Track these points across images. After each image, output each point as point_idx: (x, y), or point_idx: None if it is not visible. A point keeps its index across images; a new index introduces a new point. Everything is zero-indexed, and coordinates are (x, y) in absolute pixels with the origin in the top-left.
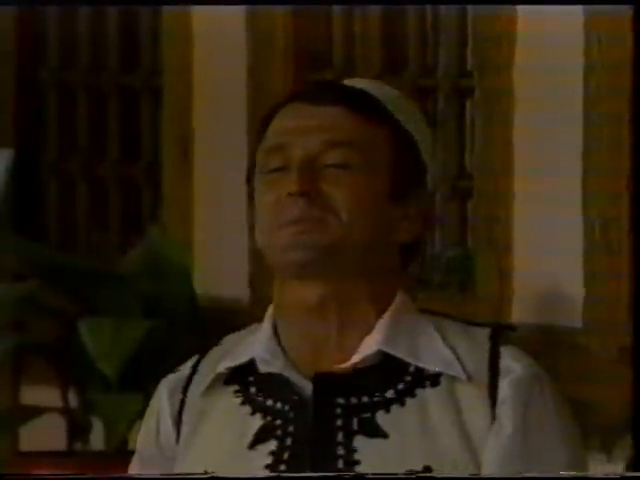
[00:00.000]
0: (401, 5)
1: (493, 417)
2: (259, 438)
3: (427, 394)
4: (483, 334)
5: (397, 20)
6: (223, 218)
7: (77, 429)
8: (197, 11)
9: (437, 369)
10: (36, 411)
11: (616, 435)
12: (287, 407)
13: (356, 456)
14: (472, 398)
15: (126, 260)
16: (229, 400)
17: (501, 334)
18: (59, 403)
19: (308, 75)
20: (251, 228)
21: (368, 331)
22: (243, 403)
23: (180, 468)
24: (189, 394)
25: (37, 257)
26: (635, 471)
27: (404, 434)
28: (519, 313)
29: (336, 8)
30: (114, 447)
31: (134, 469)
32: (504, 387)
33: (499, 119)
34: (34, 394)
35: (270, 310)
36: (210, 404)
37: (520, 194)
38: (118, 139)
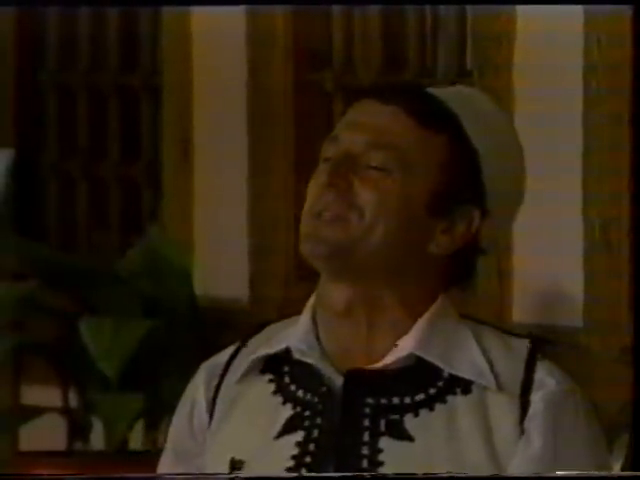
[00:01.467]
0: (400, 5)
1: (522, 430)
2: (287, 428)
3: (457, 401)
4: (521, 345)
5: (397, 20)
6: (223, 218)
7: (77, 429)
8: (197, 11)
9: (468, 377)
10: (36, 411)
11: (616, 434)
12: (317, 399)
13: (381, 457)
14: (502, 409)
15: (126, 260)
16: (262, 388)
17: (539, 347)
18: (59, 403)
19: (308, 75)
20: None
21: (402, 334)
22: (275, 392)
23: (209, 454)
24: (225, 380)
25: (37, 257)
26: (634, 470)
27: (430, 439)
28: (519, 313)
29: (336, 8)
30: (114, 447)
31: (165, 463)
32: (536, 401)
33: None
34: (34, 394)
35: (311, 300)
36: (244, 391)
37: None
38: (118, 139)
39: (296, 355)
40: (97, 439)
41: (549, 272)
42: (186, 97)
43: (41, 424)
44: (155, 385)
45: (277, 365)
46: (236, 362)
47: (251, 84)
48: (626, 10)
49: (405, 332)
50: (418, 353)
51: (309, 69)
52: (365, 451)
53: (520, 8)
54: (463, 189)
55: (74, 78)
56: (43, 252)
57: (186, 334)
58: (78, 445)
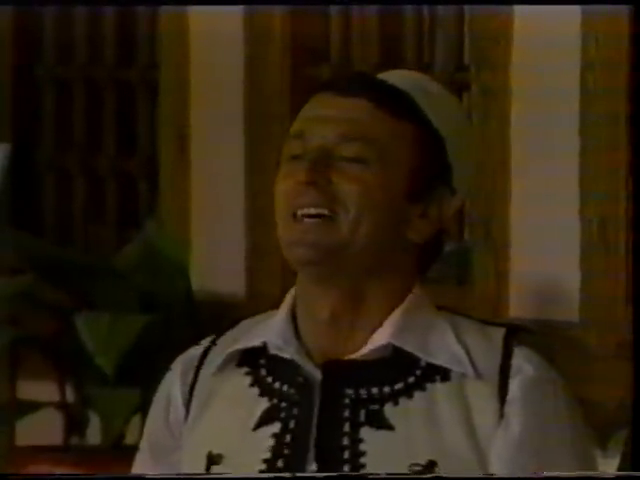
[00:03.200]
0: (399, 5)
1: (501, 415)
2: (264, 420)
3: (437, 389)
4: (498, 333)
5: (394, 17)
6: (220, 213)
7: (74, 424)
8: (194, 8)
9: (445, 365)
10: (33, 405)
11: (612, 431)
12: (293, 390)
13: (362, 447)
14: (481, 395)
15: (123, 255)
16: (239, 381)
17: (516, 335)
18: (56, 398)
19: (305, 72)
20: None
21: (380, 325)
22: (252, 385)
23: (186, 448)
24: (201, 373)
25: (34, 252)
26: (632, 467)
27: (410, 427)
28: (516, 309)
29: (333, 6)
30: (111, 442)
31: (141, 460)
32: (514, 387)
33: (496, 118)
34: (31, 389)
35: (290, 294)
36: (220, 384)
37: (517, 192)
38: (115, 134)
39: (272, 350)
40: (94, 434)
41: (546, 270)
42: (183, 93)
43: (38, 419)
44: (152, 380)
45: (253, 358)
46: (211, 356)
47: (248, 81)
48: (623, 10)
49: (383, 322)
50: (394, 342)
51: (306, 67)
52: (346, 442)
53: (517, 8)
54: (434, 172)
55: (71, 73)
56: (40, 247)
57: (183, 329)
58: (75, 440)
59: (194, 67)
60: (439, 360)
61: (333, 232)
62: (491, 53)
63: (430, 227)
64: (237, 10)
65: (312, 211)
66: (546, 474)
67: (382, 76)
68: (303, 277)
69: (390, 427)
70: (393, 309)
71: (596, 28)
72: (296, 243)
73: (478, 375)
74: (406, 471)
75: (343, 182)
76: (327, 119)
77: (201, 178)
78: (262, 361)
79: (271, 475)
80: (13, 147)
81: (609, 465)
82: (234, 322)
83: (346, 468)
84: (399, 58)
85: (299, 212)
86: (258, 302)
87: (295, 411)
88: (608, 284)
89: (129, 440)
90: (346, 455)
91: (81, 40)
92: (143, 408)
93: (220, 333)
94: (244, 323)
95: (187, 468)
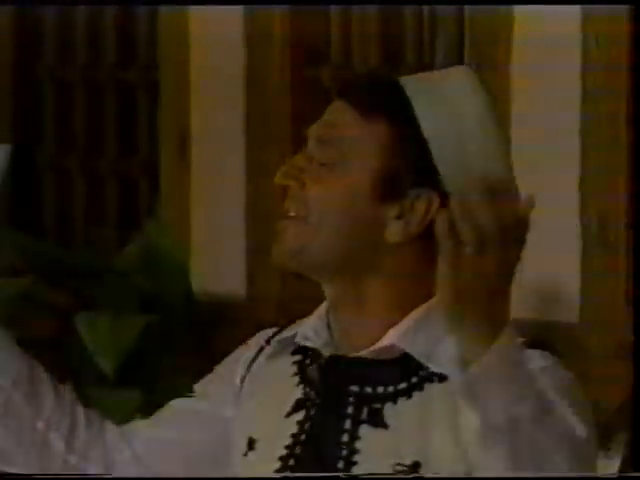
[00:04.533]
0: (398, 5)
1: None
2: (295, 408)
3: (433, 388)
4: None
5: (394, 17)
6: (221, 214)
7: None
8: (195, 9)
9: (438, 370)
10: None
11: (613, 432)
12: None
13: (357, 444)
14: None
15: (123, 255)
16: (285, 369)
17: (529, 343)
18: None
19: (305, 72)
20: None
21: (392, 325)
22: (296, 374)
23: (235, 427)
24: (260, 355)
25: (34, 252)
26: (633, 468)
27: (402, 427)
28: (516, 309)
29: (334, 5)
30: None
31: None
32: None
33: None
34: None
35: None
36: (270, 369)
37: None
38: (115, 134)
39: (298, 339)
40: None
41: (547, 270)
42: (184, 94)
43: None
44: (152, 381)
45: (304, 348)
46: (275, 339)
47: (248, 81)
48: (623, 10)
49: (395, 324)
50: (399, 344)
51: (306, 67)
52: (345, 438)
53: (517, 8)
54: (412, 173)
55: (71, 73)
56: (40, 247)
57: (183, 330)
58: None
59: (194, 67)
60: (435, 365)
61: (298, 234)
62: (491, 53)
63: (406, 230)
64: (237, 10)
65: (287, 214)
66: (546, 474)
67: (409, 77)
68: None
69: (385, 426)
70: (408, 310)
71: (596, 28)
72: (275, 241)
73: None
74: (391, 471)
75: (312, 185)
76: (317, 123)
77: (201, 178)
78: (310, 352)
79: (271, 475)
80: (13, 147)
81: (610, 466)
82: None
83: (340, 465)
84: (399, 58)
85: (282, 213)
86: (258, 302)
87: (318, 401)
88: (608, 284)
89: None
90: (344, 452)
91: (81, 40)
92: (143, 408)
93: (292, 320)
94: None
95: (235, 448)
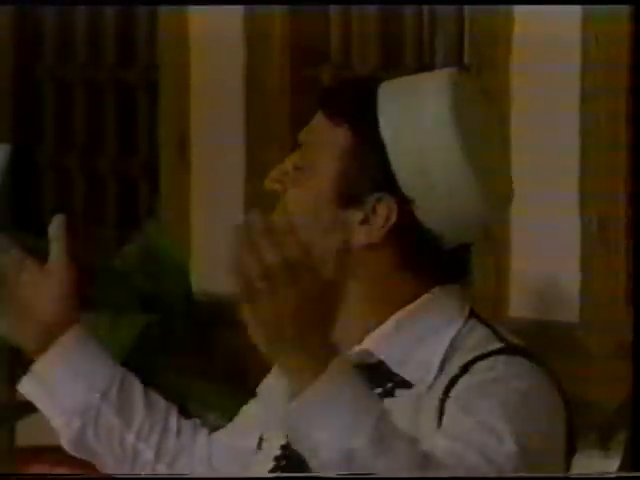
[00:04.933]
0: (398, 5)
1: (440, 415)
2: None
3: (404, 395)
4: (493, 347)
5: (394, 17)
6: (220, 214)
7: None
8: (195, 8)
9: (410, 379)
10: (33, 406)
11: (613, 431)
12: None
13: None
14: (430, 403)
15: (123, 255)
16: None
17: (510, 351)
18: None
19: (305, 72)
20: None
21: (371, 330)
22: None
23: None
24: None
25: (35, 252)
26: (633, 467)
27: None
28: (516, 309)
29: (333, 5)
30: None
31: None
32: (457, 387)
33: None
34: None
35: None
36: None
37: (517, 192)
38: (115, 134)
39: None
40: None
41: (546, 270)
42: (183, 93)
43: (38, 419)
44: (152, 380)
45: None
46: None
47: (248, 82)
48: (623, 10)
49: (374, 328)
50: (372, 350)
51: (306, 67)
52: None
53: (517, 8)
54: (371, 178)
55: (71, 73)
56: (40, 247)
57: (183, 330)
58: None
59: (194, 67)
60: (407, 375)
61: None
62: (491, 53)
63: (369, 235)
64: (237, 10)
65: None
66: (546, 474)
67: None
68: None
69: None
70: (388, 314)
71: (596, 28)
72: None
73: (430, 389)
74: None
75: (289, 189)
76: (305, 128)
77: (201, 178)
78: None
79: (271, 475)
80: (13, 147)
81: (610, 465)
82: None
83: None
84: (399, 58)
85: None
86: None
87: None
88: (608, 284)
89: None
90: None
91: (81, 40)
92: None
93: None
94: None
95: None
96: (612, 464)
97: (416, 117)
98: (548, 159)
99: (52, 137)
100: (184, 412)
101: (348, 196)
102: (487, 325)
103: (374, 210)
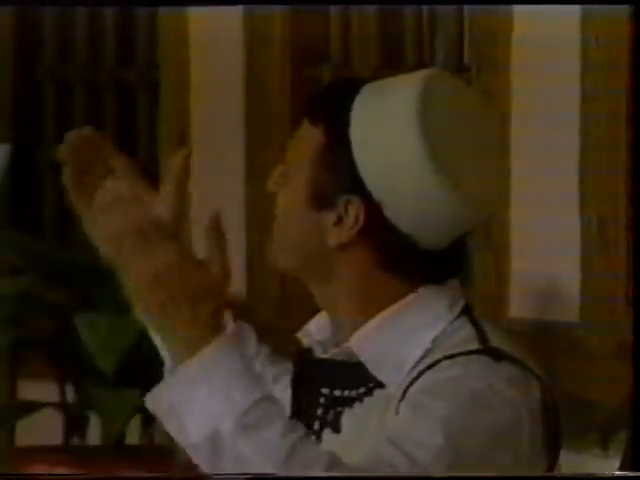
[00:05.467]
0: (398, 5)
1: (397, 412)
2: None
3: (380, 395)
4: (469, 347)
5: (394, 17)
6: (220, 214)
7: (74, 424)
8: (194, 9)
9: (383, 380)
10: (33, 406)
11: (613, 431)
12: None
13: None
14: (394, 399)
15: None
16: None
17: (491, 354)
18: (56, 398)
19: (305, 72)
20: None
21: (356, 329)
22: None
23: None
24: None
25: (35, 252)
26: (633, 467)
27: (350, 432)
28: (516, 309)
29: (333, 5)
30: (111, 442)
31: None
32: (413, 387)
33: None
34: (31, 389)
35: None
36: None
37: (517, 193)
38: (115, 134)
39: (299, 333)
40: (94, 434)
41: (546, 270)
42: (183, 94)
43: (38, 419)
44: (152, 380)
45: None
46: None
47: (248, 81)
48: (623, 10)
49: (359, 327)
50: (354, 349)
51: (306, 67)
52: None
53: (517, 8)
54: (340, 181)
55: (71, 73)
56: (40, 247)
57: None
58: (75, 440)
59: (194, 68)
60: (381, 375)
61: (274, 236)
62: (491, 53)
63: (340, 236)
64: (237, 10)
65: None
66: (546, 474)
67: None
68: None
69: (338, 430)
70: (372, 314)
71: (596, 28)
72: (266, 242)
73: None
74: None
75: (279, 191)
76: None
77: (201, 179)
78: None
79: (271, 475)
80: (13, 147)
81: (610, 465)
82: None
83: None
84: (399, 58)
85: None
86: (258, 303)
87: (293, 402)
88: (608, 284)
89: (129, 440)
90: None
91: (81, 40)
92: (143, 408)
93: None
94: None
95: None
96: (612, 464)
97: (383, 117)
98: (548, 159)
99: (52, 137)
100: None
101: (321, 198)
102: (475, 325)
103: (346, 211)
